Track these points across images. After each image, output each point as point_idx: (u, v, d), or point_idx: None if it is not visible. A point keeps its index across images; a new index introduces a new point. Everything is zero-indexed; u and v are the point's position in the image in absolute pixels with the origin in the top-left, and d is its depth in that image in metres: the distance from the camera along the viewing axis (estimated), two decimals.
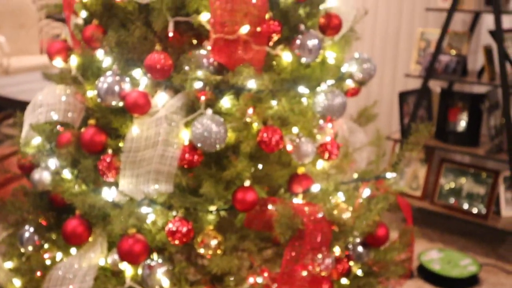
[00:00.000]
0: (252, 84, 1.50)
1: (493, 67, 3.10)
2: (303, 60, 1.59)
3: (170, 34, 1.53)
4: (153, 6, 1.48)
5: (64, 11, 1.81)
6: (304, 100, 1.66)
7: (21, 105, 3.00)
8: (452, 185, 3.34)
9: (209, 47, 1.53)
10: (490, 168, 3.33)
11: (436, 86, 3.53)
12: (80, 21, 1.79)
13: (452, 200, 3.33)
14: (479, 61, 3.46)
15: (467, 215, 3.26)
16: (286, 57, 1.59)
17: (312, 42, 1.57)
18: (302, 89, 1.61)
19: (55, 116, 1.72)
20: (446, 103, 3.32)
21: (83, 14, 1.75)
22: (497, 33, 2.97)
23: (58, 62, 1.76)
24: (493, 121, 3.26)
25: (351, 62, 1.82)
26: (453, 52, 3.31)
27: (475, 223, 3.23)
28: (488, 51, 3.09)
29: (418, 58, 3.49)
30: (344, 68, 1.80)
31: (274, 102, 1.58)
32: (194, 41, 1.58)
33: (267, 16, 1.54)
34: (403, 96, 3.44)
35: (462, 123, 3.29)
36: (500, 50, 2.94)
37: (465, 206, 3.27)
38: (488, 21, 3.37)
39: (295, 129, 1.61)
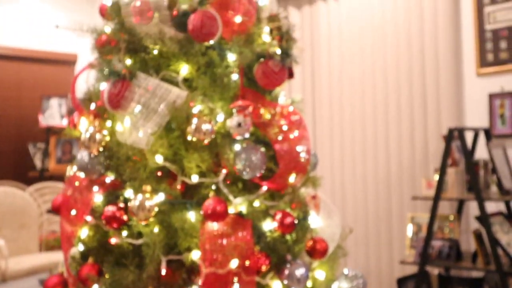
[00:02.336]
0: None
1: (486, 251, 3.13)
2: None
3: (163, 272, 1.59)
4: (146, 252, 1.56)
5: (62, 245, 1.89)
6: None
7: None
8: None
9: (200, 282, 1.57)
10: None
11: (433, 268, 3.52)
12: (77, 253, 1.85)
13: None
14: (472, 241, 3.50)
15: None
16: (276, 286, 1.63)
17: (300, 272, 1.63)
18: None
19: None
20: None
21: (81, 247, 1.82)
22: (483, 219, 3.05)
23: None
24: None
25: (341, 279, 1.86)
26: (447, 232, 3.37)
27: None
28: (478, 236, 3.15)
29: (411, 242, 3.54)
30: (335, 286, 1.83)
31: None
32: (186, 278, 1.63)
33: (255, 249, 1.61)
34: (401, 282, 3.42)
35: None
36: (489, 236, 3.01)
37: None
38: (475, 203, 3.48)
39: None
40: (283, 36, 1.71)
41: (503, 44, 3.39)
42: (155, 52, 1.67)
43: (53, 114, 5.65)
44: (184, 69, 1.64)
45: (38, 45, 5.72)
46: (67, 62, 5.99)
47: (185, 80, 1.66)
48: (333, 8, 3.98)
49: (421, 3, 3.57)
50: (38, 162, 5.68)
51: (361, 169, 3.83)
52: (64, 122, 5.55)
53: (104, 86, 1.75)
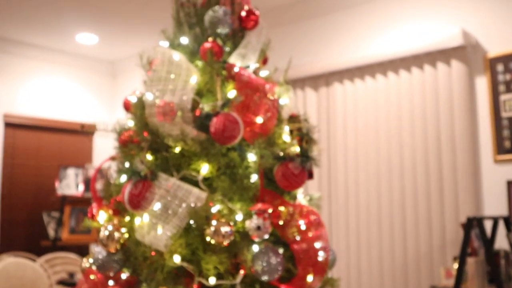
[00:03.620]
0: None
1: None
2: None
3: None
4: None
5: None
6: None
7: None
8: None
9: None
10: None
11: None
12: None
13: None
14: None
15: None
16: None
17: None
18: None
19: None
20: None
21: None
22: None
23: None
24: None
25: None
26: None
27: None
28: None
29: None
30: None
31: None
32: None
33: None
34: None
35: None
36: None
37: None
38: None
39: None
40: (303, 137, 1.73)
41: None
42: (177, 150, 1.70)
43: (69, 184, 5.70)
44: (204, 169, 1.66)
45: (58, 115, 5.86)
46: (86, 132, 6.10)
47: (205, 179, 1.67)
48: (349, 90, 4.04)
49: (436, 89, 3.62)
50: (51, 231, 5.68)
51: (378, 258, 3.76)
52: (80, 188, 5.59)
53: (125, 179, 1.77)
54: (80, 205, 5.74)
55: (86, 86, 6.14)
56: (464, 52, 3.53)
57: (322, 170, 4.11)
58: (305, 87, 4.32)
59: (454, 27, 3.61)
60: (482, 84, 3.54)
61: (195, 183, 1.65)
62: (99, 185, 1.93)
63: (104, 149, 6.06)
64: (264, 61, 1.97)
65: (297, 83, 4.35)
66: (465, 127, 3.48)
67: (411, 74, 3.75)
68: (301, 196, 1.90)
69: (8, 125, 5.55)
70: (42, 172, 5.90)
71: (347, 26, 4.23)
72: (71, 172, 5.76)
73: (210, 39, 1.81)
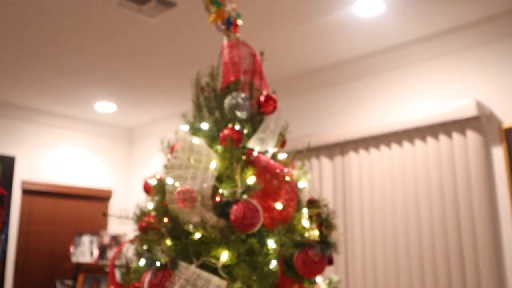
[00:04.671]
0: None
1: None
2: None
3: None
4: None
5: None
6: None
7: None
8: None
9: None
10: None
11: None
12: None
13: None
14: None
15: None
16: None
17: None
18: None
19: None
20: None
21: None
22: None
23: None
24: None
25: None
26: None
27: None
28: None
29: None
30: None
31: None
32: None
33: None
34: None
35: None
36: None
37: None
38: None
39: None
40: (323, 223, 1.72)
41: None
42: (197, 236, 1.70)
43: (84, 251, 5.67)
44: (224, 256, 1.65)
45: (75, 181, 5.92)
46: (102, 198, 6.14)
47: (225, 266, 1.66)
48: (364, 159, 4.05)
49: (452, 159, 3.60)
50: None
51: None
52: (95, 254, 5.55)
53: (143, 263, 1.77)
54: (94, 273, 5.69)
55: (103, 153, 6.23)
56: (479, 122, 3.54)
57: (339, 242, 4.06)
58: (321, 156, 4.34)
59: (468, 98, 3.65)
60: (499, 154, 3.53)
61: (214, 271, 1.64)
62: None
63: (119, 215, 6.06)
64: (282, 144, 1.99)
65: (313, 152, 4.38)
66: (483, 198, 3.44)
67: (427, 144, 3.76)
68: (320, 280, 1.87)
69: (26, 191, 5.60)
70: (57, 239, 5.90)
71: (362, 96, 4.30)
72: (85, 239, 5.74)
73: (229, 124, 1.85)
